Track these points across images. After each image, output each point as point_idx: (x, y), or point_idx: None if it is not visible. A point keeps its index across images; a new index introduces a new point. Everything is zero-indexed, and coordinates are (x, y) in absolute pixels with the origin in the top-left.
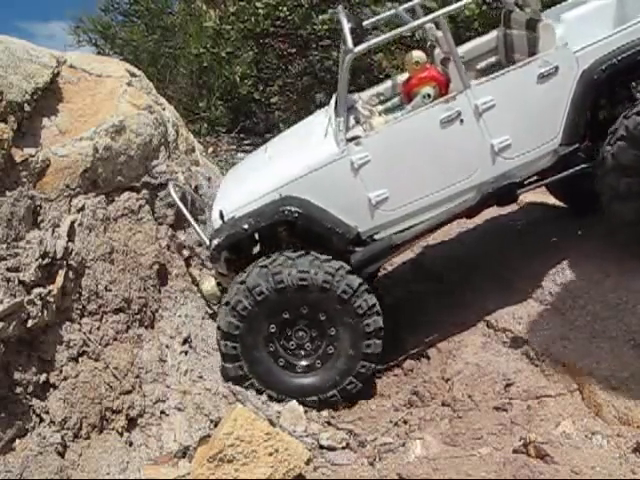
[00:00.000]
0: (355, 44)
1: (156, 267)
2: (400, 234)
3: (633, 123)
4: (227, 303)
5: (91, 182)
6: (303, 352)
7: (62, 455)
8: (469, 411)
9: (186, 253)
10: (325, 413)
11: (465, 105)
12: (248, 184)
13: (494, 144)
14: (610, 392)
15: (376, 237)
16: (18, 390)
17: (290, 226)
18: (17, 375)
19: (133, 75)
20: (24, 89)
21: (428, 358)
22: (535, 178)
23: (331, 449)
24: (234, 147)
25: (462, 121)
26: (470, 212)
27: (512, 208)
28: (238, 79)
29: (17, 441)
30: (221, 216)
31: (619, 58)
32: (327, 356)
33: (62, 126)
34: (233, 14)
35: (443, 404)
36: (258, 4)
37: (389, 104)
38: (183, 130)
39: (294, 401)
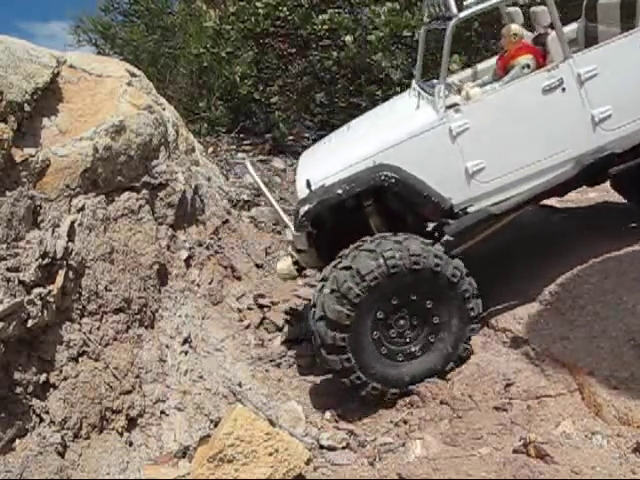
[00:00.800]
0: (460, 10)
1: (156, 267)
2: (498, 205)
3: None
4: (333, 291)
5: (91, 182)
6: (404, 340)
7: (62, 455)
8: (469, 411)
9: (186, 253)
10: (326, 413)
11: (568, 73)
12: (336, 155)
13: (594, 115)
14: (610, 392)
15: (469, 210)
16: (18, 390)
17: (376, 200)
18: (17, 375)
19: (133, 75)
20: (24, 89)
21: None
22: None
23: (331, 449)
24: (234, 147)
25: (564, 90)
26: (564, 188)
27: None
28: (238, 79)
29: (17, 441)
30: (308, 185)
31: None
32: (428, 343)
33: (62, 126)
34: (233, 14)
35: (443, 404)
36: (258, 4)
37: (480, 81)
38: (183, 130)
39: (294, 401)
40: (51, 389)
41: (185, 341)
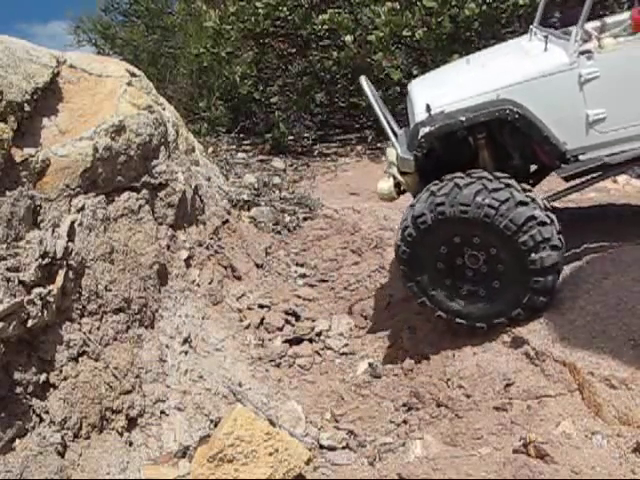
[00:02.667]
0: None
1: (156, 267)
2: (612, 156)
3: None
4: (403, 220)
5: (91, 182)
6: (468, 277)
7: (62, 455)
8: (469, 411)
9: (186, 253)
10: (326, 413)
11: None
12: (458, 84)
13: None
14: (610, 392)
15: (581, 157)
16: (18, 390)
17: (490, 135)
18: (17, 375)
19: (133, 75)
20: (24, 89)
21: (428, 358)
22: None
23: (331, 449)
24: (234, 147)
25: None
26: None
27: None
28: (238, 79)
29: (17, 441)
30: (428, 109)
31: None
32: (492, 288)
33: (62, 126)
34: (233, 14)
35: (443, 404)
36: (258, 4)
37: (615, 31)
38: (183, 130)
39: (294, 401)
40: (51, 389)
41: (185, 341)
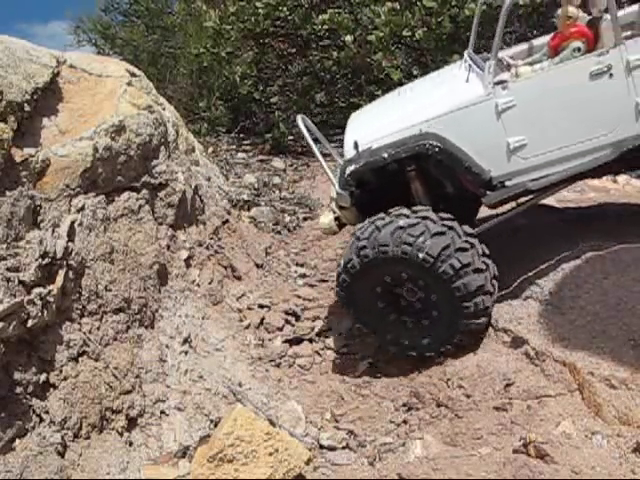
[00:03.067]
0: None
1: (156, 267)
2: (535, 181)
3: None
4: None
5: (91, 182)
6: (412, 310)
7: (62, 455)
8: (469, 411)
9: (186, 253)
10: (326, 413)
11: (617, 60)
12: (385, 119)
13: (639, 102)
14: (610, 392)
15: (507, 183)
16: (18, 390)
17: (420, 166)
18: (17, 375)
19: (133, 75)
20: (24, 89)
21: (428, 358)
22: None
23: (331, 449)
24: (234, 147)
25: (611, 75)
26: (601, 171)
27: (511, 207)
28: (238, 79)
29: (17, 441)
30: (355, 146)
31: None
32: (432, 318)
33: (62, 126)
34: (233, 14)
35: (443, 404)
36: (258, 4)
37: (530, 59)
38: (183, 130)
39: (294, 401)
40: (51, 389)
41: (185, 341)
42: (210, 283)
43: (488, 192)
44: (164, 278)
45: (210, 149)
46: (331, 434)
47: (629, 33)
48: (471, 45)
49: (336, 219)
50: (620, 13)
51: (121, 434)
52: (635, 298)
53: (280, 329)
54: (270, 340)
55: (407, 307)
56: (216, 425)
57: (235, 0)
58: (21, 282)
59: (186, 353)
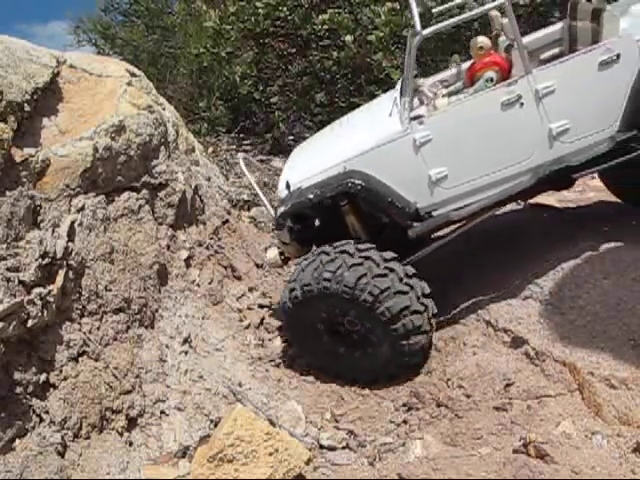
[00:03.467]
0: (423, 28)
1: (156, 267)
2: (457, 211)
3: None
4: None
5: (91, 182)
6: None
7: (62, 455)
8: (469, 411)
9: (186, 253)
10: (326, 413)
11: (526, 89)
12: (314, 158)
13: (552, 128)
14: (610, 392)
15: (434, 214)
16: (18, 390)
17: (352, 200)
18: (17, 375)
19: (133, 75)
20: (24, 89)
21: (428, 358)
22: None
23: (331, 449)
24: (234, 147)
25: (522, 104)
26: (525, 194)
27: (512, 207)
28: (238, 79)
29: (17, 441)
30: (287, 186)
31: None
32: (369, 352)
33: (62, 126)
34: (233, 14)
35: (443, 404)
36: (258, 4)
37: (452, 88)
38: (183, 130)
39: (294, 401)
40: (51, 389)
41: (185, 341)
42: (210, 283)
43: (415, 224)
44: (164, 278)
45: (210, 149)
46: (331, 434)
47: (557, 50)
48: (408, 72)
49: (281, 253)
50: (546, 31)
51: (121, 434)
52: (635, 298)
53: (280, 329)
54: (270, 340)
55: (351, 338)
56: (216, 425)
57: (235, 0)
58: (21, 282)
59: (186, 353)
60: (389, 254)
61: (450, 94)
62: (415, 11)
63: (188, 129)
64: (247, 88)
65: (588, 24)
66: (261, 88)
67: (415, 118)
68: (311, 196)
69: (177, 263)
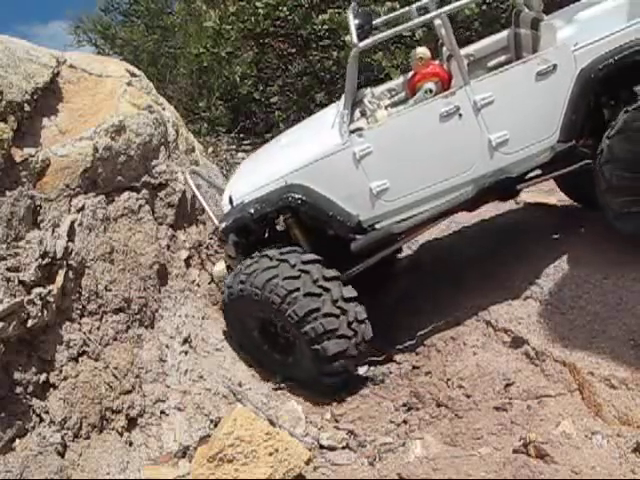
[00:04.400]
0: (361, 40)
1: (156, 267)
2: (399, 224)
3: (631, 117)
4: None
5: (91, 182)
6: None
7: (62, 455)
8: (469, 411)
9: (186, 253)
10: (326, 413)
11: (464, 100)
12: (257, 172)
13: (492, 139)
14: (610, 392)
15: (377, 227)
16: (18, 390)
17: (295, 214)
18: (17, 375)
19: (133, 75)
20: (24, 89)
21: (428, 358)
22: (536, 173)
23: (331, 449)
24: (234, 147)
25: (460, 116)
26: (469, 206)
27: (511, 207)
28: (238, 79)
29: (17, 441)
30: (230, 201)
31: (616, 58)
32: (295, 359)
33: (62, 126)
34: (233, 14)
35: (443, 404)
36: (258, 4)
37: (395, 98)
38: (183, 130)
39: (294, 401)
40: (51, 389)
41: (185, 341)
42: (210, 283)
43: (358, 237)
44: (164, 278)
45: (210, 149)
46: (331, 434)
47: (503, 58)
48: (348, 84)
49: (228, 267)
50: (493, 39)
51: (121, 434)
52: (635, 298)
53: None
54: None
55: (277, 342)
56: (216, 425)
57: (235, 0)
58: (21, 282)
59: (186, 353)
60: (330, 272)
61: (393, 105)
62: (352, 23)
63: (188, 129)
64: (247, 88)
65: (529, 32)
66: (261, 88)
67: (355, 131)
68: (252, 211)
69: (177, 263)
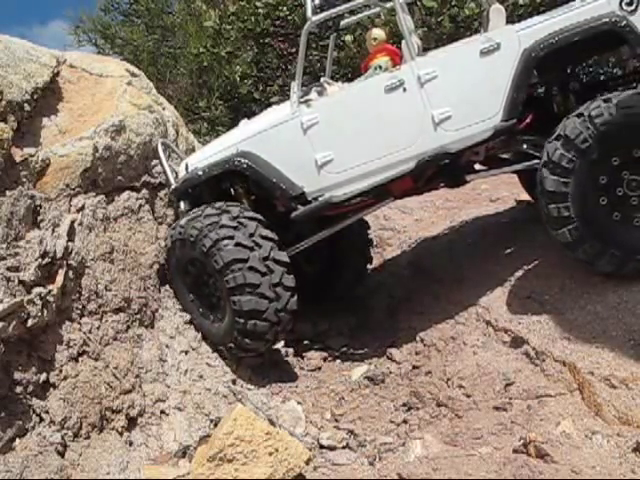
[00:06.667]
0: (315, 14)
1: (156, 267)
2: (338, 195)
3: (552, 149)
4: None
5: (91, 182)
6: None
7: (62, 455)
8: (469, 411)
9: None
10: (326, 413)
11: (409, 74)
12: (214, 143)
13: (434, 115)
14: (610, 392)
15: (320, 199)
16: (18, 390)
17: (245, 183)
18: (17, 375)
19: (133, 75)
20: (24, 89)
21: (428, 358)
22: (486, 167)
23: (331, 449)
24: None
25: (405, 90)
26: (415, 186)
27: (511, 207)
28: (238, 79)
29: (17, 441)
30: (186, 167)
31: (557, 38)
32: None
33: (62, 126)
34: (233, 14)
35: (443, 404)
36: (258, 4)
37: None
38: (183, 130)
39: (294, 401)
40: (51, 389)
41: (185, 341)
42: None
43: (299, 207)
44: (164, 278)
45: None
46: (331, 434)
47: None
48: (300, 58)
49: None
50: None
51: (121, 434)
52: (635, 298)
53: None
54: None
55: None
56: (216, 425)
57: (235, 0)
58: (21, 282)
59: (186, 353)
60: (268, 233)
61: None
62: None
63: (188, 129)
64: (247, 88)
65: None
66: (261, 88)
67: (304, 102)
68: (200, 173)
69: None
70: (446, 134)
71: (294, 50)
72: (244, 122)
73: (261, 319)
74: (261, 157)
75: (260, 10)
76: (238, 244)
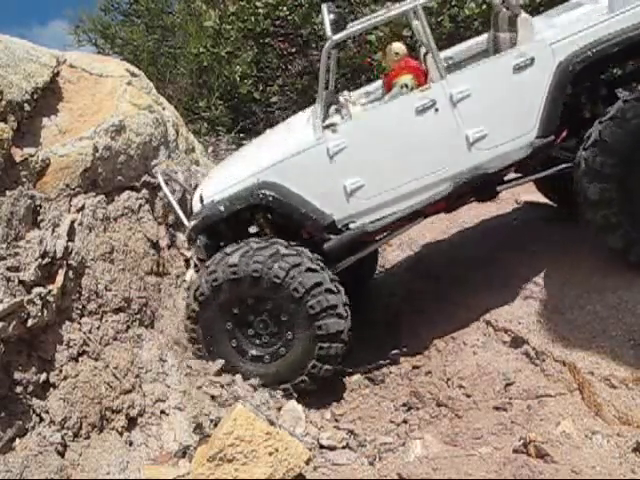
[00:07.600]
0: (335, 33)
1: (156, 267)
2: (373, 223)
3: (605, 129)
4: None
5: (91, 182)
6: (258, 341)
7: (62, 455)
8: (469, 411)
9: (186, 253)
10: (326, 413)
11: (440, 94)
12: (229, 170)
13: (469, 134)
14: (610, 392)
15: (351, 226)
16: (18, 390)
17: (268, 213)
18: (17, 375)
19: (133, 75)
20: (24, 89)
21: (428, 358)
22: (516, 175)
23: (331, 449)
24: (234, 147)
25: (437, 110)
26: (448, 206)
27: (511, 207)
28: (238, 79)
29: (17, 441)
30: (201, 200)
31: (594, 50)
32: (278, 353)
33: (62, 126)
34: (233, 14)
35: (443, 404)
36: (258, 4)
37: (372, 97)
38: (183, 130)
39: (294, 401)
40: (51, 389)
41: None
42: None
43: (332, 236)
44: (164, 278)
45: (210, 149)
46: (331, 434)
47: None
48: (321, 79)
49: (197, 271)
50: (472, 42)
51: (121, 434)
52: (635, 298)
53: None
54: None
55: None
56: (216, 425)
57: (235, 0)
58: (21, 282)
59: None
60: (317, 254)
61: (370, 102)
62: (326, 17)
63: (188, 129)
64: (247, 88)
65: (507, 33)
66: (261, 88)
67: (328, 127)
68: (222, 208)
69: (177, 263)
70: (481, 153)
71: (294, 50)
72: (256, 143)
73: (339, 340)
74: (286, 187)
75: (260, 10)
76: (309, 269)
